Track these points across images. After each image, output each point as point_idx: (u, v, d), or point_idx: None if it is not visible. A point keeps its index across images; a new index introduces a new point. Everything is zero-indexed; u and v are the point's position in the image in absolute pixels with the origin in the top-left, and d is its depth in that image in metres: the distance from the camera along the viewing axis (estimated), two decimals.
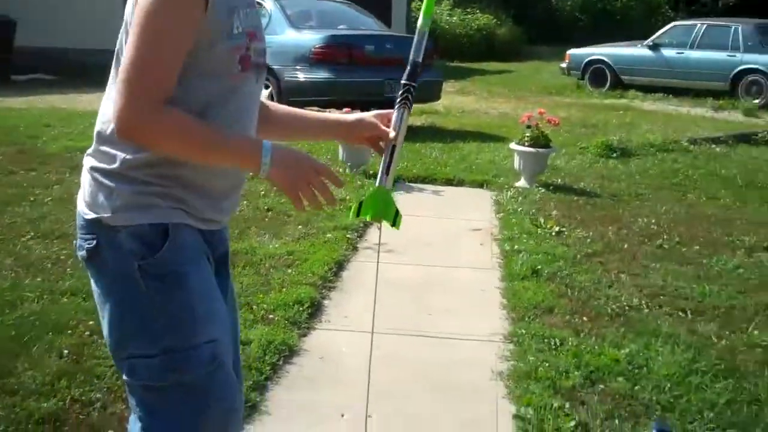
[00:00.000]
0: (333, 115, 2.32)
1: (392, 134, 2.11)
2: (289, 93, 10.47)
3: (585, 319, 4.54)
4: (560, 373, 3.81)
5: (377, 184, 2.10)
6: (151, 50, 1.71)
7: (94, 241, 1.83)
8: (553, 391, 3.66)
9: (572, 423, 3.35)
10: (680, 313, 4.70)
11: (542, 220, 6.56)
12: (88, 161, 1.87)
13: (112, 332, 1.88)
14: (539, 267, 5.33)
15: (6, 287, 4.53)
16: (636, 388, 3.72)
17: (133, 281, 1.80)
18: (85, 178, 1.88)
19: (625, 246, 6.03)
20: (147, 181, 1.80)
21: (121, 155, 1.79)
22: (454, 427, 3.43)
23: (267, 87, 10.65)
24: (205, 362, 1.85)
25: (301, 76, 10.54)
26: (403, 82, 2.15)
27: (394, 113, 2.14)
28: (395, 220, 2.12)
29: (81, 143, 8.72)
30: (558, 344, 4.15)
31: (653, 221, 6.76)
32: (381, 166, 2.12)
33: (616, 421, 3.42)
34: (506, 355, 4.09)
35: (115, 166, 1.80)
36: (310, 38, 10.84)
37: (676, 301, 4.90)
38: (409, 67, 2.16)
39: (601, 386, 3.74)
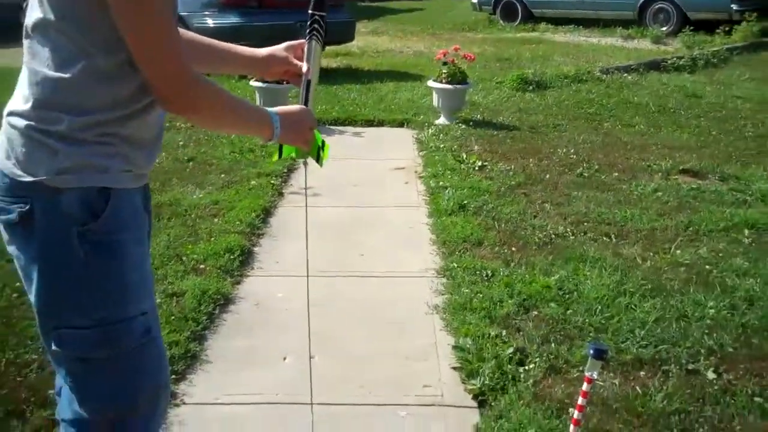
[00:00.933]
0: (247, 49, 2.22)
1: (305, 68, 2.10)
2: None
3: (514, 249, 4.61)
4: (494, 303, 3.88)
5: None
6: (164, 24, 1.67)
7: (28, 205, 1.71)
8: (489, 321, 3.72)
9: (510, 350, 3.42)
10: (605, 238, 4.82)
11: (465, 156, 6.60)
12: (20, 122, 1.72)
13: (40, 300, 1.78)
14: (465, 202, 5.38)
15: None
16: (568, 312, 3.81)
17: (67, 247, 1.71)
18: (16, 140, 1.73)
19: (547, 176, 6.13)
20: (97, 141, 1.71)
21: (67, 117, 1.68)
22: (395, 362, 3.47)
23: None
24: (139, 335, 1.81)
25: (211, 22, 10.30)
26: (309, 11, 2.10)
27: (305, 45, 2.11)
28: (319, 155, 2.09)
29: None
30: (490, 275, 4.21)
31: (572, 151, 6.87)
32: (299, 101, 2.10)
33: (552, 345, 3.51)
34: (440, 289, 4.14)
35: (61, 127, 1.68)
36: None
37: (599, 226, 5.02)
38: None
39: (535, 313, 3.82)
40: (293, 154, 2.10)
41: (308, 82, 2.09)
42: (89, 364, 1.80)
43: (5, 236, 1.80)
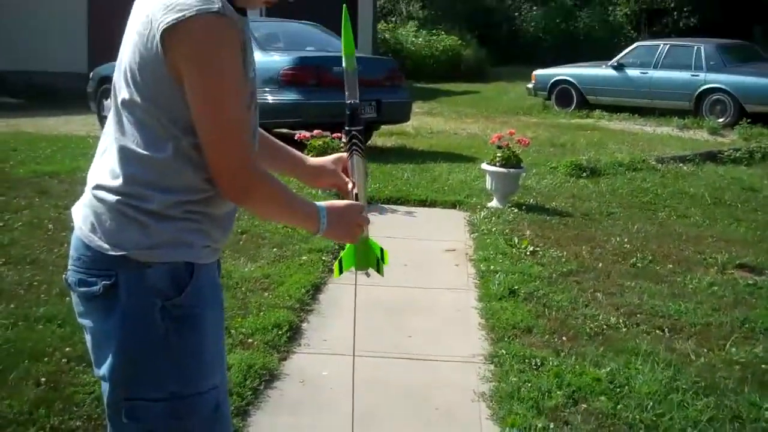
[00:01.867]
0: (298, 154, 2.31)
1: (350, 184, 2.15)
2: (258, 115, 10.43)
3: (564, 338, 4.55)
4: (543, 393, 3.81)
5: None
6: (233, 109, 1.75)
7: (113, 278, 1.75)
8: (537, 412, 3.65)
9: None
10: (658, 331, 4.72)
11: (516, 240, 6.58)
12: (109, 196, 1.77)
13: (115, 372, 1.79)
14: (516, 287, 5.33)
15: None
16: (618, 407, 3.72)
17: (150, 321, 1.75)
18: (104, 214, 1.77)
19: (600, 265, 6.06)
20: (184, 217, 1.77)
21: (157, 194, 1.74)
22: None
23: None
24: (209, 410, 1.83)
25: (270, 98, 10.51)
26: (346, 129, 2.15)
27: (348, 162, 2.16)
28: (379, 264, 2.18)
29: (48, 167, 8.65)
30: (539, 364, 4.15)
31: (626, 240, 6.81)
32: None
33: None
34: (487, 376, 4.08)
35: (152, 205, 1.74)
36: (279, 60, 10.81)
37: (652, 319, 4.93)
38: (348, 112, 2.15)
39: (584, 405, 3.74)
40: (353, 267, 2.13)
41: (356, 196, 2.14)
42: None
43: (80, 307, 1.84)
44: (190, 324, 1.78)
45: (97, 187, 1.80)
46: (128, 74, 1.74)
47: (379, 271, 2.19)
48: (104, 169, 1.80)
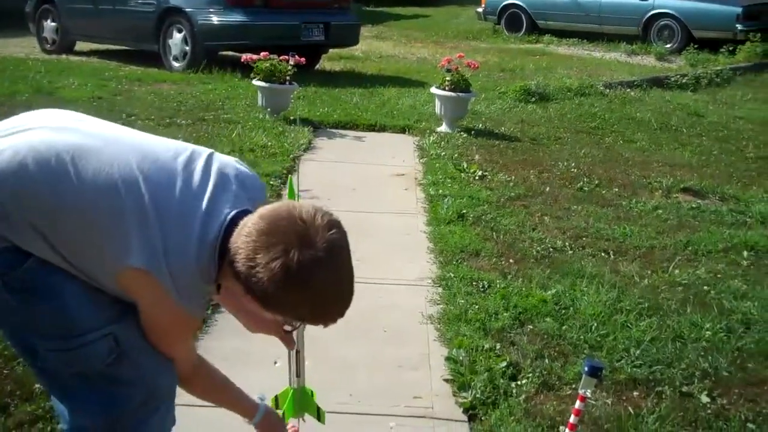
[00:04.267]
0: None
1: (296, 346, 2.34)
2: (203, 37, 10.19)
3: (511, 261, 4.59)
4: (489, 315, 3.85)
5: (290, 385, 2.38)
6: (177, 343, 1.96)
7: None
8: (484, 333, 3.69)
9: (503, 363, 3.39)
10: (603, 254, 4.79)
11: (465, 165, 6.57)
12: None
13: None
14: (464, 211, 5.34)
15: None
16: (564, 327, 3.78)
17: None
18: None
19: (547, 189, 6.10)
20: None
21: None
22: (387, 371, 3.43)
23: (180, 30, 10.35)
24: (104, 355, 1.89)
25: (216, 19, 10.25)
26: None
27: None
28: (319, 414, 2.41)
29: None
30: (486, 287, 4.18)
31: (573, 164, 6.85)
32: (289, 371, 2.38)
33: (546, 361, 3.48)
34: (435, 299, 4.10)
35: None
36: None
37: (598, 242, 5.00)
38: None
39: (530, 327, 3.79)
40: (289, 414, 2.37)
41: (297, 353, 2.34)
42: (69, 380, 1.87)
43: None
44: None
45: None
46: None
47: (320, 418, 2.42)
48: None
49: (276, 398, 2.41)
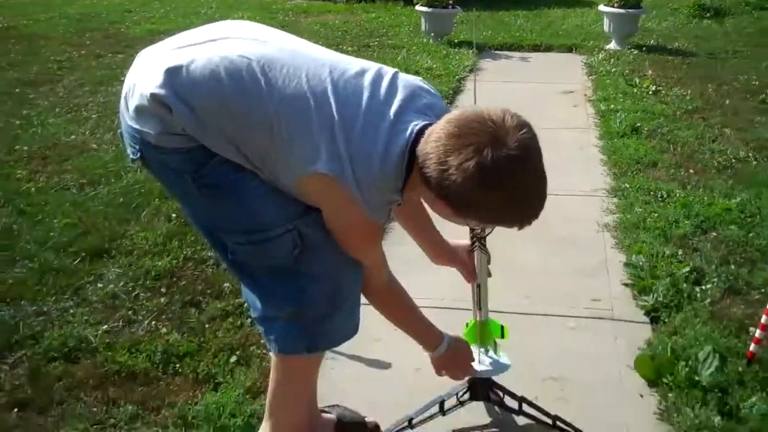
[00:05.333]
0: (439, 240, 2.40)
1: (478, 280, 2.35)
2: None
3: (691, 171, 4.42)
4: (670, 223, 3.73)
5: (474, 318, 2.37)
6: (362, 243, 1.94)
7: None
8: (664, 240, 3.59)
9: (686, 269, 3.28)
10: None
11: (637, 80, 6.35)
12: None
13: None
14: (638, 124, 5.18)
15: (109, 159, 4.61)
16: (750, 234, 3.62)
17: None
18: None
19: (727, 102, 5.81)
20: None
21: None
22: (564, 276, 3.40)
23: None
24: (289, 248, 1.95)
25: None
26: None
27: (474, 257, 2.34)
28: (503, 333, 2.38)
29: (162, 26, 8.75)
30: (665, 196, 4.05)
31: (754, 77, 6.49)
32: (473, 304, 2.37)
33: (732, 267, 3.34)
34: (611, 209, 4.01)
35: None
36: None
37: None
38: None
39: (714, 234, 3.65)
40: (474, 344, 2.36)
41: (478, 286, 2.33)
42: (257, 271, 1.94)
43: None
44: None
45: None
46: None
47: (495, 351, 2.38)
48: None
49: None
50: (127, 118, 1.81)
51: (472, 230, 2.24)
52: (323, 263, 1.93)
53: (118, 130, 1.93)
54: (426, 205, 1.90)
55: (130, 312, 3.03)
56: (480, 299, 2.34)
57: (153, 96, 1.72)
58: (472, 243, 2.29)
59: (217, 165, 1.80)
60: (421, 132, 1.75)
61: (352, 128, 1.74)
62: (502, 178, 1.63)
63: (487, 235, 2.19)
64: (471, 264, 2.37)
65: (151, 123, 1.75)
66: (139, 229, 3.71)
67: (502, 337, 2.37)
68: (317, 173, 1.72)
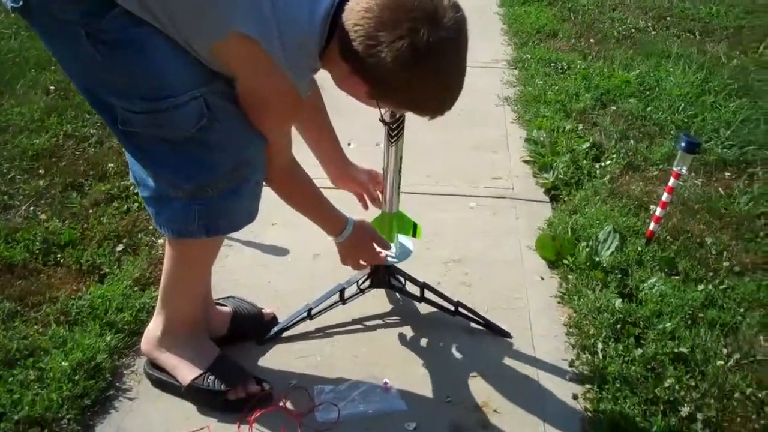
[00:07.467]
0: (340, 156, 2.27)
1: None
2: None
3: (591, 41, 4.35)
4: (570, 96, 3.68)
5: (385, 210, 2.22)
6: (276, 123, 1.78)
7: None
8: (564, 114, 3.54)
9: (586, 144, 3.25)
10: (688, 34, 4.52)
11: None
12: None
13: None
14: None
15: None
16: (649, 108, 3.60)
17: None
18: None
19: None
20: None
21: None
22: (463, 153, 3.32)
23: None
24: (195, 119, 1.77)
25: None
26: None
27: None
28: (415, 230, 2.23)
29: None
30: (565, 68, 3.98)
31: None
32: (382, 199, 2.22)
33: (631, 141, 3.33)
34: (512, 81, 3.92)
35: None
36: None
37: (683, 22, 4.71)
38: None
39: (613, 108, 3.62)
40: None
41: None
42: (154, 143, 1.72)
43: None
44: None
45: None
46: None
47: (416, 234, 2.24)
48: None
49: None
50: None
51: (382, 119, 2.08)
52: (230, 137, 1.75)
53: None
54: (334, 83, 1.73)
55: (5, 197, 2.80)
56: (390, 191, 2.21)
57: None
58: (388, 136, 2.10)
59: (117, 17, 1.56)
60: None
61: None
62: (434, 62, 1.51)
63: (400, 124, 2.04)
64: (369, 192, 2.30)
65: None
66: (14, 104, 3.42)
67: (414, 236, 2.25)
68: (240, 35, 1.54)
